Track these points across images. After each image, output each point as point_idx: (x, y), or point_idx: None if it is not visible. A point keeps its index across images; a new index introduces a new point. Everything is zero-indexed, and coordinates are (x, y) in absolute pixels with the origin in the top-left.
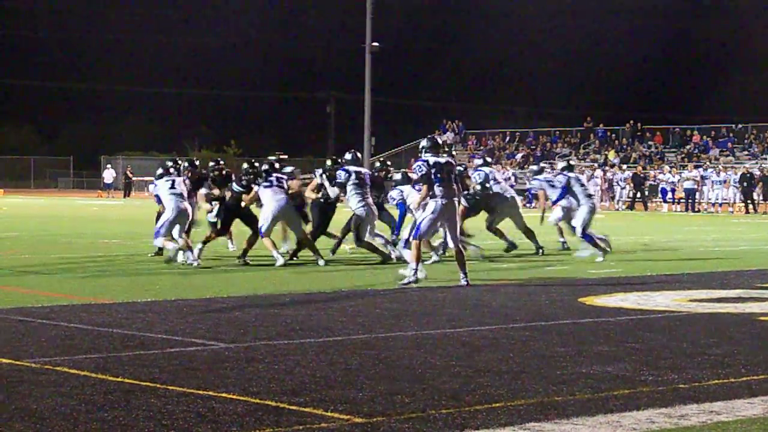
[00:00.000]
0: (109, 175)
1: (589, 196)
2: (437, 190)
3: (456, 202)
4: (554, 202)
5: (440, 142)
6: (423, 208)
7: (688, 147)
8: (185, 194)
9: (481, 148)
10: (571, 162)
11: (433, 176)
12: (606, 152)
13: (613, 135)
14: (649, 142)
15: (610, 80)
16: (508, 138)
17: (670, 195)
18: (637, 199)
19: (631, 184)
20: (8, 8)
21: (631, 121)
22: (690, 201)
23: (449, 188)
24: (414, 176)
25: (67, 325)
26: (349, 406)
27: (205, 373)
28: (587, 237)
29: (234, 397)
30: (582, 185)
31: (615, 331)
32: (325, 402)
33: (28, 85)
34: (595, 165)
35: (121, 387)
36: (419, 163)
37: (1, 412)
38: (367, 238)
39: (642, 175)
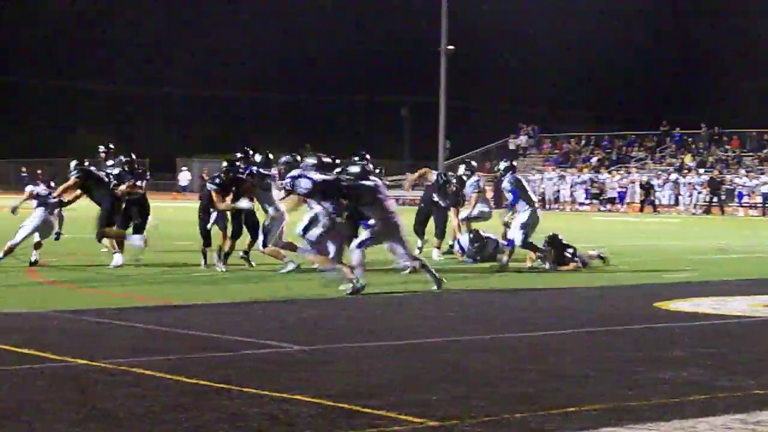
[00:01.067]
0: (184, 177)
1: (532, 202)
2: (369, 213)
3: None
4: (511, 206)
5: (369, 168)
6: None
7: (765, 151)
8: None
9: (556, 151)
10: (514, 163)
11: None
12: (682, 156)
13: (690, 139)
14: (726, 146)
15: (686, 83)
16: (583, 141)
17: (746, 199)
18: (713, 204)
19: (708, 189)
20: (84, 12)
21: (703, 125)
22: (767, 205)
23: (380, 210)
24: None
25: (141, 326)
26: (422, 409)
27: (278, 375)
28: (529, 244)
29: (307, 399)
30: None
31: (690, 336)
32: (398, 405)
33: (103, 90)
34: (671, 169)
35: (195, 388)
36: (374, 180)
37: (77, 413)
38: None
39: (718, 179)
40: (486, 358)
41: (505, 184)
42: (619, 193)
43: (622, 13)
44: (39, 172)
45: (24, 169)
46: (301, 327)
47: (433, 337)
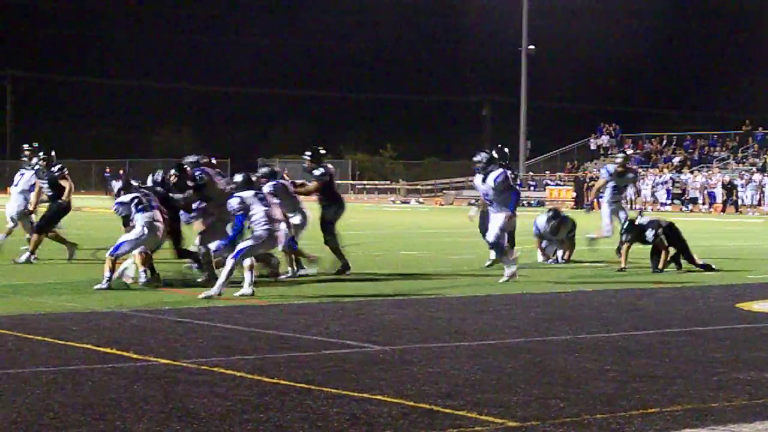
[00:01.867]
0: None
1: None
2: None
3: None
4: (512, 209)
5: (253, 178)
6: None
7: None
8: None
9: (638, 151)
10: (506, 150)
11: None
12: (765, 156)
13: None
14: None
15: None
16: (665, 141)
17: None
18: None
19: None
20: (170, 15)
21: None
22: None
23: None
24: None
25: (223, 326)
26: (503, 409)
27: (359, 375)
28: (498, 246)
29: (388, 399)
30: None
31: None
32: (479, 405)
33: (188, 89)
34: (754, 169)
35: (276, 388)
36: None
37: (159, 412)
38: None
39: None
40: (567, 359)
41: (498, 180)
42: (710, 193)
43: (699, 12)
44: (121, 171)
45: (108, 169)
46: (382, 327)
47: (514, 337)
